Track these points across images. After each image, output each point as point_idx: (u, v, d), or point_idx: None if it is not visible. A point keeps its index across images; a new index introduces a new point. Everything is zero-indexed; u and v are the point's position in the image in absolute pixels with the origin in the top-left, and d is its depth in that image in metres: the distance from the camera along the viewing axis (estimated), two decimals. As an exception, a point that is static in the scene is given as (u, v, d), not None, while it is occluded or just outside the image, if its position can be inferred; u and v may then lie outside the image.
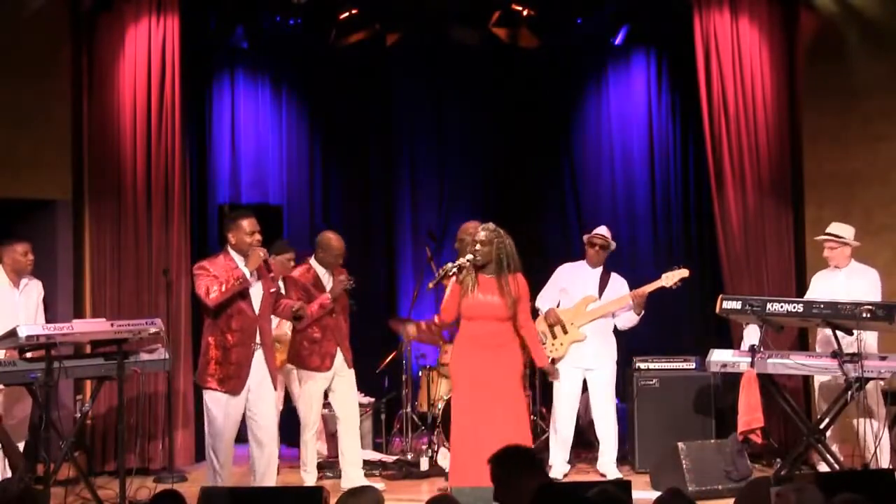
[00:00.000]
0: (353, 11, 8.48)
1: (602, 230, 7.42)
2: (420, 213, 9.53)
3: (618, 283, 7.36)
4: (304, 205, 9.30)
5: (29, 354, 6.03)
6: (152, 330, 6.24)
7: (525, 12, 8.59)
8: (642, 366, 7.51)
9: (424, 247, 8.46)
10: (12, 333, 5.89)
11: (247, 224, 6.06)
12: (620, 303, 7.23)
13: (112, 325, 6.31)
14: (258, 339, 6.05)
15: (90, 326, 6.36)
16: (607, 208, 9.25)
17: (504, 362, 5.94)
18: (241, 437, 6.32)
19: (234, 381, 5.99)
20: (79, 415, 7.10)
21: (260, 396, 6.07)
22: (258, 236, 6.07)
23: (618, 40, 8.94)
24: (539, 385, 7.84)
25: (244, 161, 9.08)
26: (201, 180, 8.61)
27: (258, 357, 6.05)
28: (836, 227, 6.91)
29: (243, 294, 6.01)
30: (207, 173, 8.76)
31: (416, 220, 9.45)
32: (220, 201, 8.88)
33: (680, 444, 6.63)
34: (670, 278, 7.18)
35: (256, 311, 6.05)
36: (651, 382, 7.44)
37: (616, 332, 7.38)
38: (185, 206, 7.85)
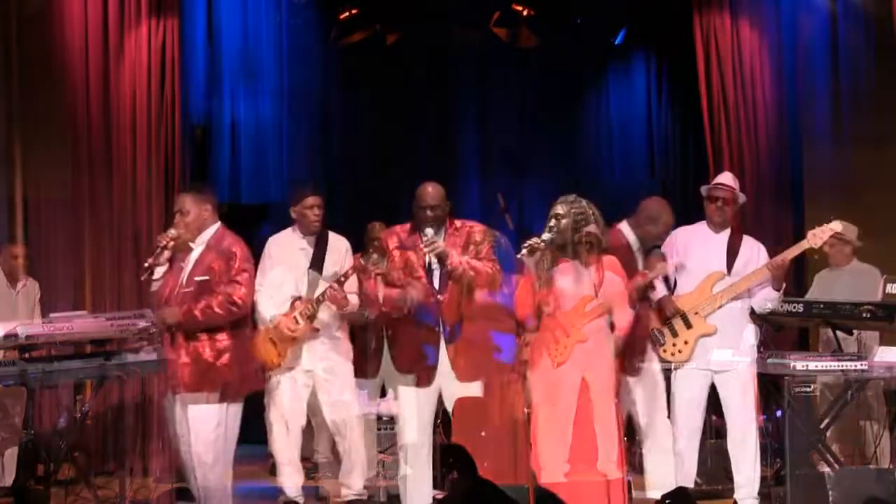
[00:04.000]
0: (353, 11, 8.50)
1: (726, 178, 5.84)
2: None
3: (753, 249, 5.69)
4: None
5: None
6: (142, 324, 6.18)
7: (525, 12, 8.61)
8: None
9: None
10: (12, 333, 5.88)
11: None
12: (758, 277, 5.55)
13: (112, 324, 6.28)
14: None
15: (90, 326, 6.33)
16: (607, 208, 9.21)
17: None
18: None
19: None
20: (79, 415, 7.09)
21: None
22: None
23: (618, 40, 8.96)
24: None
25: (244, 161, 9.07)
26: (201, 180, 8.59)
27: None
28: (837, 225, 6.88)
29: None
30: (207, 173, 8.75)
31: (415, 221, 9.43)
32: (220, 200, 8.86)
33: (827, 472, 5.35)
34: (817, 236, 5.53)
35: None
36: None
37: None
38: (185, 206, 7.83)
